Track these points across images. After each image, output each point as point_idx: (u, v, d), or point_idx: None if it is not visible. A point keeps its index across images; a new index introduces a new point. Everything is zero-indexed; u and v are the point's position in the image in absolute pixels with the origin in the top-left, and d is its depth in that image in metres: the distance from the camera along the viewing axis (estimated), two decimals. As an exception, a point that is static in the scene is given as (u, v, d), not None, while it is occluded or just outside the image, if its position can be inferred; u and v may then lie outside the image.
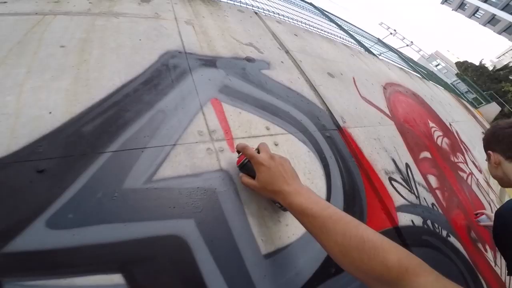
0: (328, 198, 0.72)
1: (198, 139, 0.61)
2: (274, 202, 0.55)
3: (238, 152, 0.57)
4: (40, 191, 0.42)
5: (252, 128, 0.72)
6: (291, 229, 0.62)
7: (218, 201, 0.54)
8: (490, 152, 0.83)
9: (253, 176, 0.53)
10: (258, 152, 0.55)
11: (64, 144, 0.49)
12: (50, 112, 0.52)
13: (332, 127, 0.92)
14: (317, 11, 3.51)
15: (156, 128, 0.59)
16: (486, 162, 0.94)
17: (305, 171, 0.72)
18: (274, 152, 0.56)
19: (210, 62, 0.87)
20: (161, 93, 0.67)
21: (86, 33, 0.75)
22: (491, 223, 1.12)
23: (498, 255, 1.40)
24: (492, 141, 0.84)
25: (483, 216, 1.28)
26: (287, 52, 1.26)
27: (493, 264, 1.29)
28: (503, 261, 1.38)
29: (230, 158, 0.61)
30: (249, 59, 1.02)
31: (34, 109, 0.52)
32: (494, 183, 2.32)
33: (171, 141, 0.58)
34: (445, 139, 1.87)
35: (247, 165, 0.54)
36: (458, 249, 1.12)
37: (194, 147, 0.59)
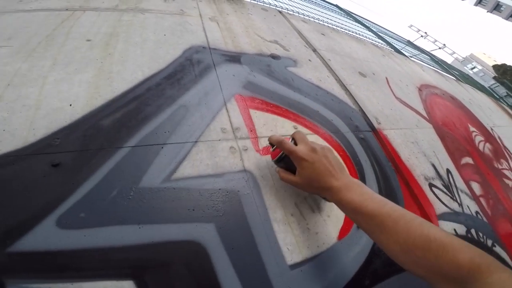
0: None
1: (221, 137, 0.56)
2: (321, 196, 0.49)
3: (272, 145, 0.50)
4: (53, 186, 0.39)
5: (278, 127, 0.66)
6: (321, 238, 0.55)
7: (241, 204, 0.49)
8: None
9: (292, 171, 0.46)
10: (295, 143, 0.47)
11: (81, 138, 0.46)
12: (70, 104, 0.50)
13: (366, 129, 0.83)
14: (343, 13, 3.38)
15: (177, 124, 0.55)
16: None
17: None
18: (312, 141, 0.47)
19: (234, 58, 0.84)
20: (184, 88, 0.64)
21: (112, 28, 0.75)
22: None
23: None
24: None
25: None
26: (314, 50, 1.19)
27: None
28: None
29: (254, 158, 0.56)
30: (274, 56, 0.97)
31: (55, 100, 0.50)
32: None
33: (193, 138, 0.54)
34: (487, 145, 1.67)
35: (285, 159, 0.47)
36: (504, 259, 0.97)
37: (217, 145, 0.54)
